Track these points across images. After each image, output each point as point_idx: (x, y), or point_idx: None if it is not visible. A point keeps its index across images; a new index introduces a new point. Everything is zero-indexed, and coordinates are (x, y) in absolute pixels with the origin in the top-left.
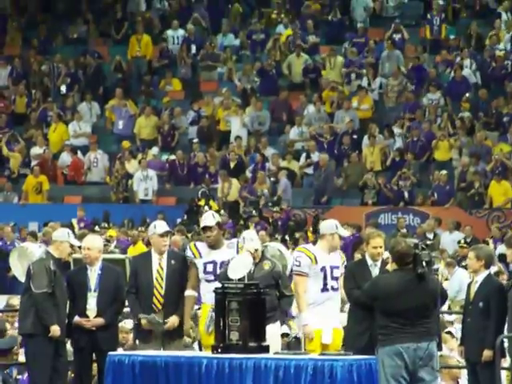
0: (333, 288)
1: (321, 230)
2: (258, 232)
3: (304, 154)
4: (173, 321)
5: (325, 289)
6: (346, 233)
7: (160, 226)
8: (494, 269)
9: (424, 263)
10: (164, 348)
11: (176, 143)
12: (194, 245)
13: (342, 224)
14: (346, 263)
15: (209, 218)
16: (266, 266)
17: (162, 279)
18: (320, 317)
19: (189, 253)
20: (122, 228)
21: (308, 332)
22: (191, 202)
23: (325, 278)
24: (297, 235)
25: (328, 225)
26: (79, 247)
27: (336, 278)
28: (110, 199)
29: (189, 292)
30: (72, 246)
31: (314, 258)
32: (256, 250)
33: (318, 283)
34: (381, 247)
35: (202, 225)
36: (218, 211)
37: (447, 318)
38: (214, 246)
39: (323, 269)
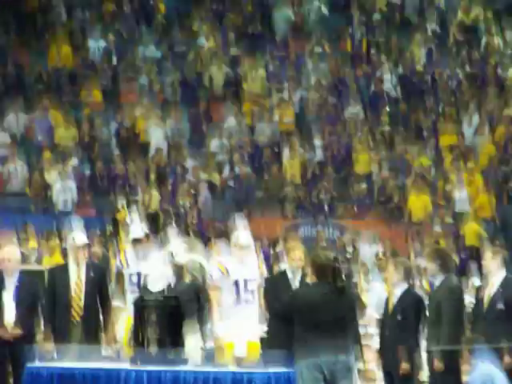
0: (247, 301)
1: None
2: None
3: (227, 167)
4: None
5: (238, 302)
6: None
7: (78, 237)
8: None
9: (343, 276)
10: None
11: (97, 154)
12: (124, 255)
13: (263, 236)
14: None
15: (137, 230)
16: (186, 279)
17: (80, 291)
18: (233, 330)
19: (117, 262)
20: (42, 239)
21: (218, 345)
22: (115, 213)
23: (237, 291)
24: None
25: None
26: None
27: (251, 291)
28: (29, 210)
29: (115, 302)
30: None
31: (226, 271)
32: (185, 264)
33: (231, 296)
34: (300, 259)
35: (132, 237)
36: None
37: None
38: (143, 257)
39: (236, 282)
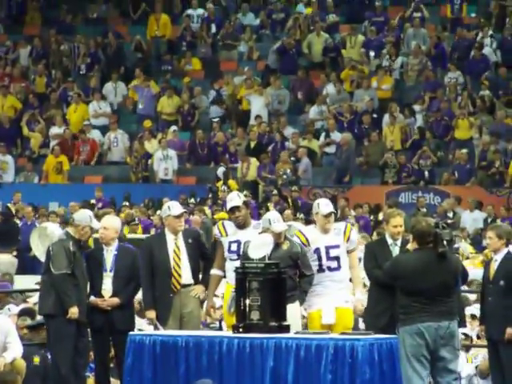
0: (330, 268)
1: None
2: (282, 212)
3: (324, 133)
4: (198, 291)
5: (321, 269)
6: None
7: (175, 207)
8: None
9: (445, 242)
10: (181, 328)
11: (196, 123)
12: (222, 223)
13: (362, 204)
14: (353, 240)
15: (235, 199)
16: (284, 246)
17: (179, 259)
18: (319, 297)
19: (216, 231)
20: (143, 208)
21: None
22: (215, 181)
23: (319, 259)
24: None
25: (313, 205)
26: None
27: (334, 258)
28: (130, 179)
29: (214, 271)
30: (92, 228)
31: (306, 240)
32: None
33: (314, 264)
34: (401, 226)
35: (229, 206)
36: (238, 191)
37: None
38: (242, 225)
39: (317, 250)
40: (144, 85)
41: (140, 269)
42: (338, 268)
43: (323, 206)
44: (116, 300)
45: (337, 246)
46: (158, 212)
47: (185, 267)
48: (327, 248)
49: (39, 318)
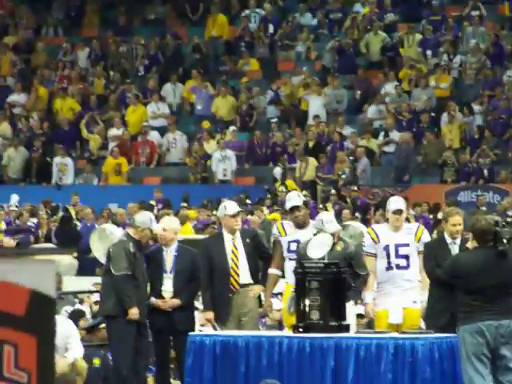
0: (398, 266)
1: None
2: (341, 212)
3: (382, 133)
4: (256, 290)
5: (389, 267)
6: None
7: (230, 206)
8: None
9: (505, 240)
10: (240, 328)
11: (254, 123)
12: (281, 223)
13: (422, 203)
14: (425, 241)
15: (295, 198)
16: (338, 247)
17: (237, 259)
18: (387, 296)
19: (275, 231)
20: (202, 209)
21: (367, 311)
22: (273, 181)
23: (388, 256)
24: (377, 214)
25: (387, 204)
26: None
27: (403, 256)
28: (189, 180)
29: (272, 270)
30: (152, 230)
31: (377, 237)
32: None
33: (383, 262)
34: (460, 225)
35: (289, 205)
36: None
37: None
38: (302, 225)
39: (386, 247)
40: (201, 86)
41: (200, 269)
42: (407, 267)
43: (392, 202)
44: (177, 301)
45: (407, 245)
46: (214, 212)
47: (243, 267)
48: (397, 246)
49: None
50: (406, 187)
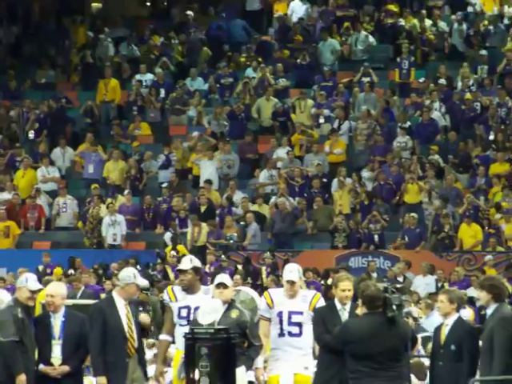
0: (290, 333)
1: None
2: (232, 276)
3: (273, 198)
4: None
5: (282, 334)
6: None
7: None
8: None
9: (394, 307)
10: None
11: (144, 187)
12: (171, 288)
13: (311, 268)
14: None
15: (185, 262)
16: (233, 314)
17: (131, 323)
18: (279, 362)
19: (165, 296)
20: (93, 273)
21: (257, 376)
22: (164, 247)
23: (281, 322)
24: (269, 279)
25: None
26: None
27: (296, 324)
28: (79, 245)
29: (163, 336)
30: (31, 291)
31: (271, 302)
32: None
33: (276, 328)
34: (349, 290)
35: (177, 268)
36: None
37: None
38: (188, 290)
39: (279, 314)
40: (91, 150)
41: (90, 334)
42: (299, 334)
43: (286, 272)
44: (66, 368)
45: (300, 313)
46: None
47: (136, 331)
48: (290, 313)
49: None
50: (296, 253)
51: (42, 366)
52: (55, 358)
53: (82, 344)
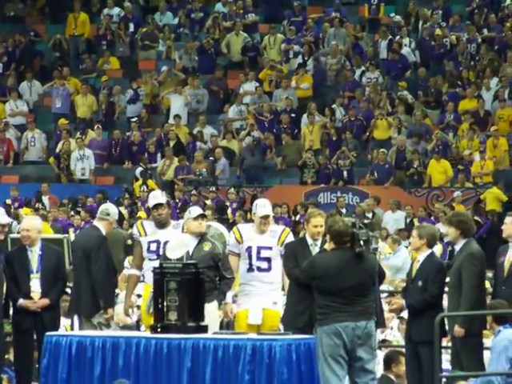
0: (259, 268)
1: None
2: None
3: (244, 132)
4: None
5: (250, 269)
6: (262, 212)
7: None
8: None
9: (362, 242)
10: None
11: (114, 122)
12: (141, 223)
13: (281, 204)
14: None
15: (159, 196)
16: (205, 247)
17: None
18: (247, 297)
19: (135, 230)
20: (62, 207)
21: (225, 310)
22: (133, 181)
23: (250, 258)
24: (237, 214)
25: (253, 205)
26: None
27: (264, 259)
28: (47, 179)
29: (131, 271)
30: (0, 224)
31: (241, 237)
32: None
33: (245, 263)
34: (321, 226)
35: (152, 202)
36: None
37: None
38: (163, 224)
39: (248, 249)
40: (59, 83)
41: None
42: (268, 269)
43: (260, 207)
44: (46, 301)
45: (269, 248)
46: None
47: None
48: (259, 248)
49: None
50: (265, 188)
51: (21, 301)
52: (34, 291)
53: (60, 277)
